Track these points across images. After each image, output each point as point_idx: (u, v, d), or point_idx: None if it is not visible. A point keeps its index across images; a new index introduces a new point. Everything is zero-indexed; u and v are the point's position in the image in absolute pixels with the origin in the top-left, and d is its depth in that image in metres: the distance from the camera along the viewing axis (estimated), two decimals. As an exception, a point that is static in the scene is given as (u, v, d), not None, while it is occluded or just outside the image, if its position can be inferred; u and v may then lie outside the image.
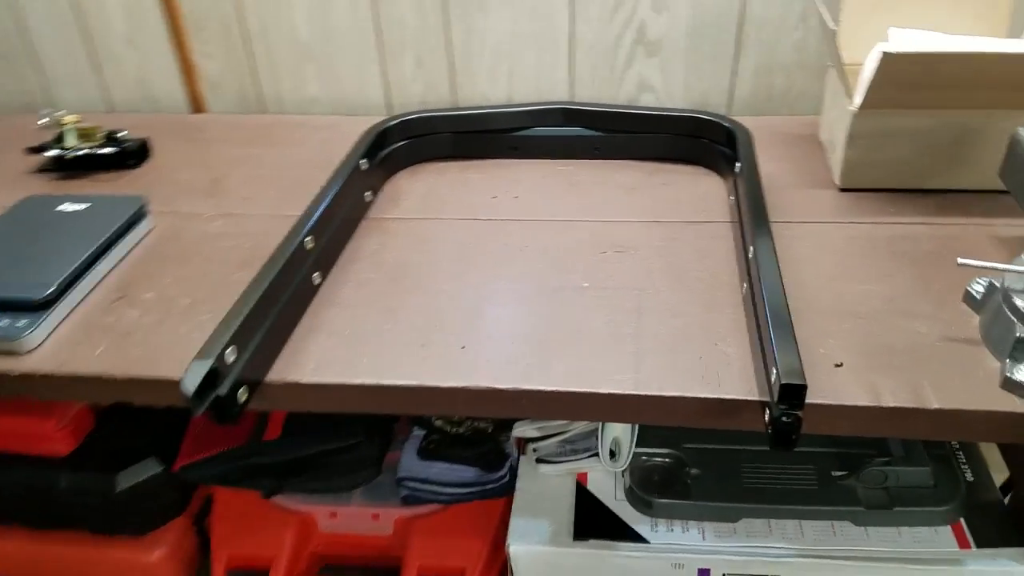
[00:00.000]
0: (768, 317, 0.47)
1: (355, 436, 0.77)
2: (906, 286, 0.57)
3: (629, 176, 0.74)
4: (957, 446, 0.71)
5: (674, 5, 0.84)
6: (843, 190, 0.70)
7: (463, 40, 0.88)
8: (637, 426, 0.71)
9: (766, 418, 0.45)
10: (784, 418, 0.43)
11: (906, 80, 0.61)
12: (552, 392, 0.49)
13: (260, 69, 0.94)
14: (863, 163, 0.68)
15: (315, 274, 0.58)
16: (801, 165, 0.75)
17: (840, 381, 0.48)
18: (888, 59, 0.59)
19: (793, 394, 0.42)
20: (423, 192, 0.74)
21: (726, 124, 0.72)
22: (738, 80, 0.88)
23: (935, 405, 0.46)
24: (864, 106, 0.64)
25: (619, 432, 0.70)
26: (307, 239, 0.57)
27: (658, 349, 0.52)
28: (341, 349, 0.53)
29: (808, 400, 0.44)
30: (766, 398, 0.46)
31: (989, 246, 0.61)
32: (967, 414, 0.46)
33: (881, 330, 0.53)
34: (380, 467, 0.81)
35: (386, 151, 0.75)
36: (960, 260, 0.50)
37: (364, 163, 0.69)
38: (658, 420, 0.50)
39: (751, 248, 0.55)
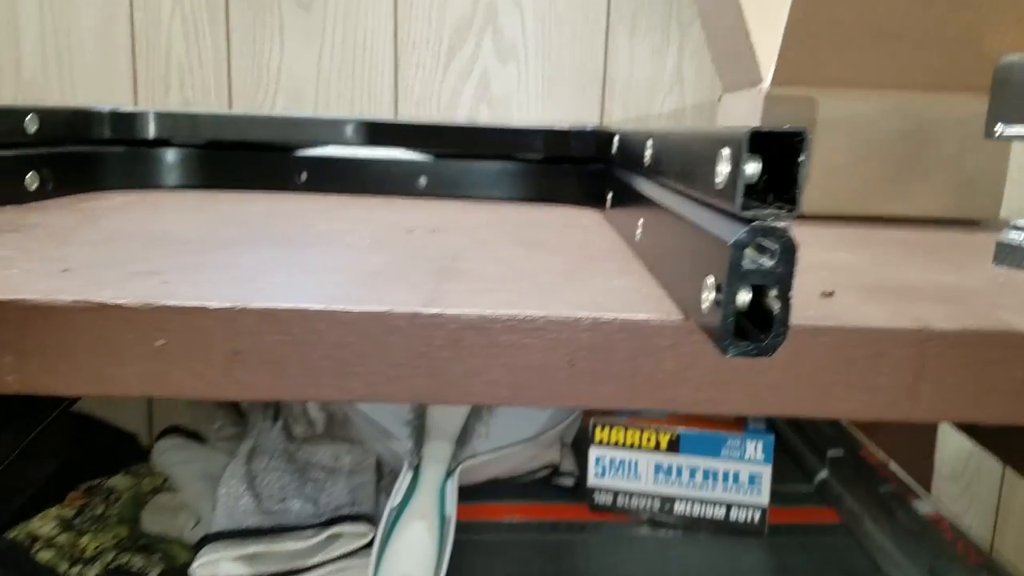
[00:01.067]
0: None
1: None
2: (895, 256, 0.38)
3: (465, 207, 0.54)
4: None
5: (522, 54, 0.71)
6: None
7: (250, 79, 0.71)
8: (447, 554, 0.42)
9: (705, 302, 0.21)
10: (757, 250, 0.20)
11: (835, 17, 0.47)
12: (261, 312, 0.24)
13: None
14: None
15: None
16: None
17: (842, 308, 0.26)
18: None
19: (766, 145, 0.20)
20: (135, 201, 0.50)
21: (596, 132, 0.55)
22: (605, 154, 0.73)
23: (1035, 329, 0.25)
24: (778, 78, 0.49)
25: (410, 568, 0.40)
26: None
27: (489, 287, 0.28)
28: None
29: (796, 322, 0.21)
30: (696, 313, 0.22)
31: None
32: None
33: (882, 276, 0.32)
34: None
35: (82, 149, 0.51)
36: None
37: (32, 122, 0.46)
38: (502, 395, 0.24)
39: (650, 142, 0.35)
